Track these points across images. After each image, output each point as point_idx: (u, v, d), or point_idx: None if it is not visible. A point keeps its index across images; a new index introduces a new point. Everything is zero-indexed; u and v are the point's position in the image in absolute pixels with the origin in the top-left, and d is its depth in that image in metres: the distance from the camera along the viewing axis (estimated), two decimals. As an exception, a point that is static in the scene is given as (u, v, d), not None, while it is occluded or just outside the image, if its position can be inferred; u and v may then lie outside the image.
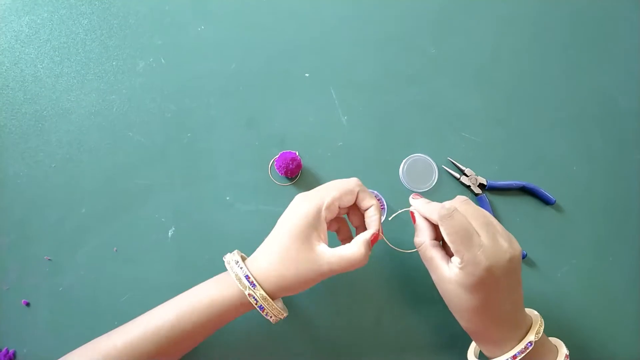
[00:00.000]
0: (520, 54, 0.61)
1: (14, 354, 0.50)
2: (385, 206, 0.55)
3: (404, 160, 0.55)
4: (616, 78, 0.61)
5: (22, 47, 0.58)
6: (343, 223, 0.49)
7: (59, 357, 0.43)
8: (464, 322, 0.43)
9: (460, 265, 0.39)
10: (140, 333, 0.41)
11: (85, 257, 0.53)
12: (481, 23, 0.62)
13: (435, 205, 0.43)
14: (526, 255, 0.54)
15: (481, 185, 0.56)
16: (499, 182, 0.56)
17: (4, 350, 0.49)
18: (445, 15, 0.62)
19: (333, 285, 0.52)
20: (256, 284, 0.41)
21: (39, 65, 0.58)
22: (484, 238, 0.39)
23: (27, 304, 0.51)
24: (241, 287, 0.41)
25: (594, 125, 0.59)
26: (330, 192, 0.43)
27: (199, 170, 0.55)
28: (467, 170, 0.56)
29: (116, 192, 0.54)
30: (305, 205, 0.42)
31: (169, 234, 0.53)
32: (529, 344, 0.41)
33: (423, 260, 0.44)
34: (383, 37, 0.61)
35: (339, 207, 0.44)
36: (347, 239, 0.48)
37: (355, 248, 0.42)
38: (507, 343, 0.41)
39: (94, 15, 0.59)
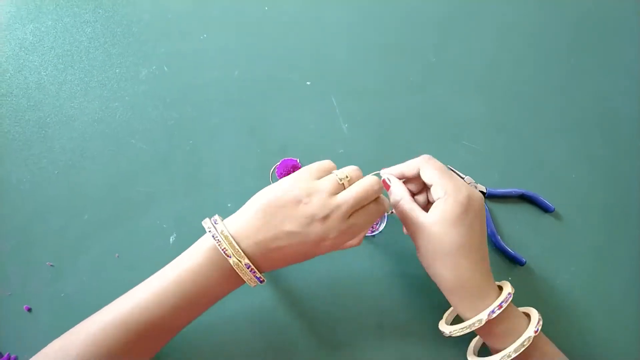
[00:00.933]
0: (520, 62, 0.62)
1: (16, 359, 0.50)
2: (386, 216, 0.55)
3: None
4: (616, 85, 0.62)
5: (26, 54, 0.59)
6: None
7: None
8: (447, 270, 0.42)
9: (444, 198, 0.42)
10: (126, 315, 0.40)
11: (88, 264, 0.53)
12: (481, 31, 0.63)
13: (411, 161, 0.46)
14: (526, 262, 0.54)
15: (481, 193, 0.56)
16: (499, 190, 0.56)
17: (5, 355, 0.49)
18: (446, 23, 0.63)
19: (333, 283, 0.52)
20: (255, 270, 0.39)
21: (42, 73, 0.58)
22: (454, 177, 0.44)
23: (29, 310, 0.51)
24: (240, 274, 0.39)
25: (594, 133, 0.60)
26: (363, 230, 0.43)
27: (200, 178, 0.56)
28: (466, 178, 0.56)
29: (118, 199, 0.55)
30: (330, 249, 0.41)
31: (171, 240, 0.54)
32: (509, 295, 0.42)
33: (401, 215, 0.45)
34: (384, 45, 0.62)
35: None
36: None
37: (355, 240, 0.45)
38: (487, 293, 0.42)
39: (97, 24, 0.60)
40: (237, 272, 0.39)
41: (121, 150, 0.56)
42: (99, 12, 0.60)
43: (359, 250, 0.54)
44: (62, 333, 0.50)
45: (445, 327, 0.46)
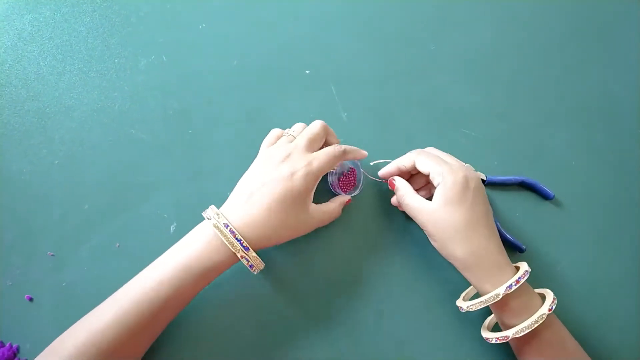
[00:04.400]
0: (520, 49, 0.62)
1: (18, 349, 0.50)
2: (362, 176, 0.55)
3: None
4: (615, 72, 0.61)
5: (25, 45, 0.58)
6: None
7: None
8: (461, 245, 0.44)
9: (442, 183, 0.45)
10: (129, 306, 0.41)
11: (88, 253, 0.53)
12: (480, 19, 0.63)
13: (405, 155, 0.50)
14: (525, 249, 0.54)
15: (480, 180, 0.56)
16: (498, 178, 0.56)
17: (7, 345, 0.50)
18: (445, 11, 0.63)
19: (333, 282, 0.53)
20: (249, 247, 0.43)
21: (41, 63, 0.58)
22: (448, 161, 0.47)
23: (31, 299, 0.51)
24: (233, 250, 0.43)
25: (593, 120, 0.60)
26: (321, 161, 0.46)
27: (200, 166, 0.56)
28: (466, 166, 0.56)
29: (118, 189, 0.55)
30: (303, 172, 0.45)
31: (171, 229, 0.54)
32: (526, 272, 0.43)
33: (409, 208, 0.47)
34: (383, 33, 0.62)
35: None
36: None
37: (334, 205, 0.50)
38: (504, 269, 0.44)
39: (96, 14, 0.60)
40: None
41: (121, 140, 0.56)
42: (97, 2, 0.60)
43: (357, 238, 0.54)
44: (63, 322, 0.50)
45: (462, 303, 0.46)
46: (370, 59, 0.61)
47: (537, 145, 0.58)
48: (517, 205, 0.56)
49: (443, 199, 0.44)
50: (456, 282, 0.52)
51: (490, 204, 0.55)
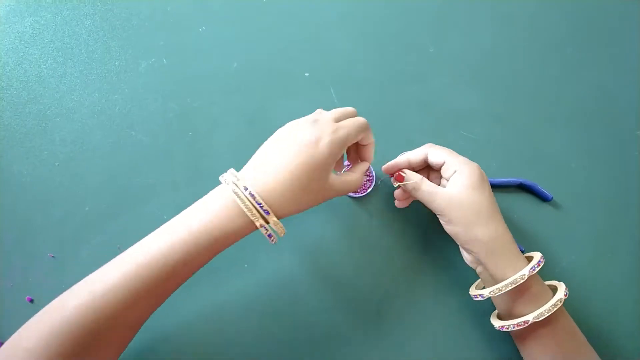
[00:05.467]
0: (519, 51, 0.62)
1: (18, 350, 0.50)
2: (374, 176, 0.56)
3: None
4: (614, 74, 0.62)
5: (26, 47, 0.59)
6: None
7: None
8: (486, 227, 0.45)
9: (459, 170, 0.46)
10: (134, 269, 0.39)
11: (89, 255, 0.53)
12: (479, 21, 0.63)
13: (417, 149, 0.50)
14: (524, 251, 0.54)
15: (481, 182, 0.56)
16: (497, 179, 0.56)
17: (8, 346, 0.50)
18: (444, 13, 0.63)
19: (331, 271, 0.53)
20: (269, 210, 0.40)
21: (42, 66, 0.58)
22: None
23: (31, 301, 0.52)
24: (252, 218, 0.40)
25: (592, 122, 0.60)
26: (348, 130, 0.44)
27: (200, 169, 0.56)
28: (465, 168, 0.57)
29: (119, 190, 0.55)
30: (331, 139, 0.42)
31: (171, 231, 0.54)
32: (540, 260, 0.45)
33: (426, 195, 0.47)
34: (382, 36, 0.62)
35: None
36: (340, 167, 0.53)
37: (357, 176, 0.48)
38: (520, 255, 0.45)
39: (96, 16, 0.60)
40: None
41: (121, 142, 0.57)
42: (98, 5, 0.60)
43: (359, 235, 0.54)
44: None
45: (480, 291, 0.46)
46: (369, 62, 0.61)
47: (535, 147, 0.59)
48: (516, 207, 0.57)
49: (464, 184, 0.45)
50: (456, 280, 0.52)
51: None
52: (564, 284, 0.46)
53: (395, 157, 0.52)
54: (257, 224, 0.40)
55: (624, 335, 0.53)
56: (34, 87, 0.58)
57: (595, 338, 0.51)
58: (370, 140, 0.49)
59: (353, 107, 0.57)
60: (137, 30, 0.60)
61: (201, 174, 0.56)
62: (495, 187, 0.57)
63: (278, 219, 0.41)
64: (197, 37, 0.60)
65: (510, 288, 0.43)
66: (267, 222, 0.41)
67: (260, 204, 0.40)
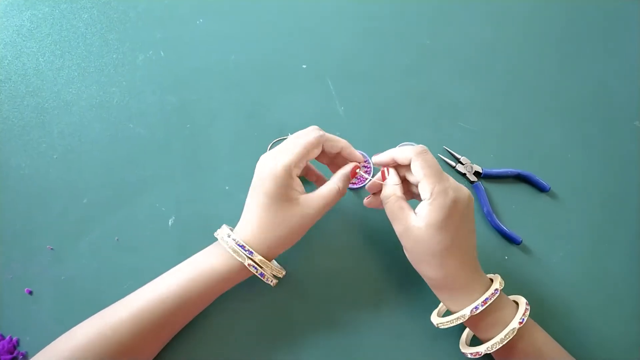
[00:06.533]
0: (516, 43, 0.62)
1: (18, 342, 0.50)
2: (372, 167, 0.55)
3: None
4: (612, 66, 0.62)
5: (24, 41, 0.59)
6: (319, 175, 0.52)
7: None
8: (434, 269, 0.42)
9: (430, 200, 0.41)
10: (144, 305, 0.43)
11: (87, 247, 0.53)
12: (476, 13, 0.63)
13: (404, 148, 0.45)
14: (521, 241, 0.54)
15: (477, 173, 0.57)
16: (495, 170, 0.56)
17: (7, 338, 0.50)
18: (441, 5, 0.63)
19: (329, 264, 0.53)
20: (252, 251, 0.43)
21: (40, 59, 0.59)
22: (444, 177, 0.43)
23: (30, 293, 0.52)
24: (240, 259, 0.43)
25: (589, 113, 0.60)
26: (295, 150, 0.44)
27: (198, 161, 0.56)
28: (462, 159, 0.57)
29: (117, 183, 0.55)
30: (273, 167, 0.43)
31: (170, 223, 0.54)
32: (496, 291, 0.42)
33: (391, 213, 0.44)
34: (379, 28, 0.62)
35: (307, 162, 0.46)
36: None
37: (331, 184, 0.45)
38: (474, 289, 0.43)
39: (94, 9, 0.60)
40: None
41: (119, 134, 0.57)
42: (95, -1, 0.61)
43: (357, 229, 0.54)
44: (63, 316, 0.51)
45: (435, 319, 0.46)
46: (366, 54, 0.61)
47: (533, 138, 0.59)
48: (514, 197, 0.57)
49: (426, 221, 0.41)
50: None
51: (487, 196, 0.56)
52: (525, 300, 0.44)
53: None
54: (246, 264, 0.43)
55: (620, 326, 0.53)
56: (32, 81, 0.58)
57: (591, 329, 0.52)
58: (339, 144, 0.46)
59: (351, 99, 0.57)
60: (134, 23, 0.60)
61: (199, 166, 0.56)
62: (493, 177, 0.57)
63: (270, 258, 0.44)
64: (194, 29, 0.60)
65: (452, 324, 0.43)
66: (259, 265, 0.44)
67: (242, 245, 0.43)
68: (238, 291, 0.51)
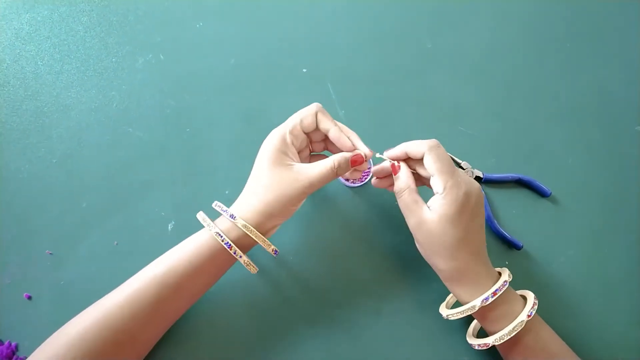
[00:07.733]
0: (517, 47, 0.62)
1: (16, 347, 0.50)
2: (372, 166, 0.55)
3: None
4: (612, 70, 0.62)
5: (23, 44, 0.59)
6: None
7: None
8: (446, 261, 0.43)
9: (443, 194, 0.42)
10: (137, 285, 0.43)
11: (86, 251, 0.53)
12: (477, 17, 0.63)
13: (417, 142, 0.45)
14: (522, 246, 0.54)
15: (477, 178, 0.56)
16: (495, 175, 0.56)
17: (6, 343, 0.50)
18: (442, 9, 0.63)
19: (331, 268, 0.53)
20: (236, 215, 0.44)
21: (39, 63, 0.58)
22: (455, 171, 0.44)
23: (29, 298, 0.52)
24: (206, 226, 0.45)
25: (590, 118, 0.60)
26: (292, 118, 0.47)
27: (198, 165, 0.56)
28: (463, 164, 0.57)
29: (116, 187, 0.55)
30: (272, 135, 0.46)
31: (169, 227, 0.54)
32: (505, 282, 0.43)
33: (405, 206, 0.45)
34: (379, 32, 0.62)
35: (303, 131, 0.47)
36: None
37: (329, 161, 0.45)
38: (484, 281, 0.43)
39: (93, 13, 0.60)
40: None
41: (118, 138, 0.56)
42: (94, 2, 0.60)
43: (359, 232, 0.54)
44: (61, 320, 0.50)
45: (444, 311, 0.47)
46: (367, 57, 0.61)
47: (534, 142, 0.59)
48: (514, 202, 0.56)
49: (439, 214, 0.42)
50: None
51: (488, 201, 0.56)
52: (533, 295, 0.45)
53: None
54: (212, 231, 0.44)
55: (621, 329, 0.53)
56: (31, 84, 0.58)
57: (592, 334, 0.51)
58: (329, 125, 0.47)
59: (351, 102, 0.57)
60: (134, 27, 0.60)
61: (199, 170, 0.56)
62: (494, 182, 0.57)
63: (265, 230, 0.45)
64: (194, 33, 0.60)
65: (462, 316, 0.44)
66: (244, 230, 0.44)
67: (226, 210, 0.45)
68: (238, 291, 0.51)
